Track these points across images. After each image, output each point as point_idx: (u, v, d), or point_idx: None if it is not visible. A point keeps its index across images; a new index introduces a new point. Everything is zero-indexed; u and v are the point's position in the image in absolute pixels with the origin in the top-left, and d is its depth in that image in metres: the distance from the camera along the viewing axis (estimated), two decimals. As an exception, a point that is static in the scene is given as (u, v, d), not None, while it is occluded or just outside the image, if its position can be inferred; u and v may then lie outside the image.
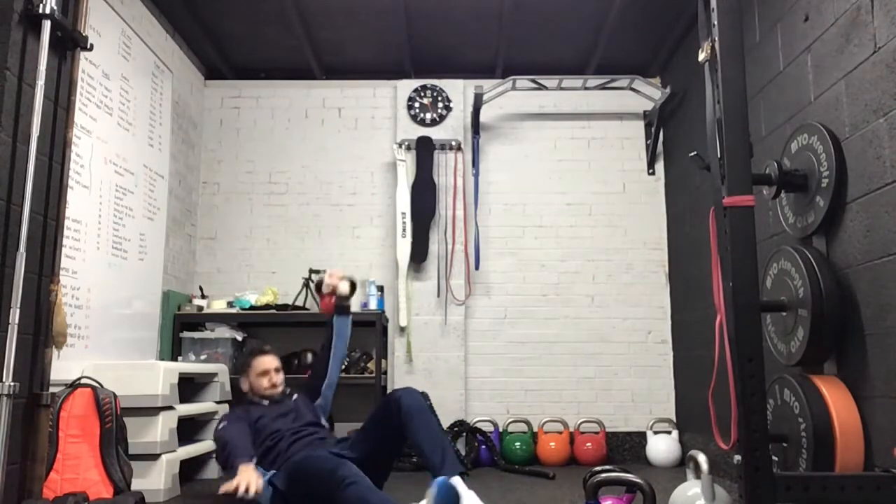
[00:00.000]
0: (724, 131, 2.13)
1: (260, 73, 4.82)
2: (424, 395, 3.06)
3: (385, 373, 4.40)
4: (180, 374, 3.33)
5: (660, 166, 4.73)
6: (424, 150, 4.63)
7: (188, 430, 3.57)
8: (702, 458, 2.28)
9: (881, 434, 2.23)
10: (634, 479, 2.20)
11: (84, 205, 3.15)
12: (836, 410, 2.30)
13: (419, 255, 4.50)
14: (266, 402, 2.91)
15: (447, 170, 4.64)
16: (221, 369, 3.90)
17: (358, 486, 2.24)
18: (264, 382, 2.92)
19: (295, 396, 3.01)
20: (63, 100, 2.76)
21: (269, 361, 2.97)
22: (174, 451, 3.17)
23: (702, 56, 2.27)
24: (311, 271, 4.48)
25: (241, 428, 2.70)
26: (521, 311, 4.60)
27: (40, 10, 2.55)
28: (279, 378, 2.97)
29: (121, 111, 3.52)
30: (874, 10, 2.29)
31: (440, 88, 4.73)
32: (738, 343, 2.04)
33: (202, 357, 4.10)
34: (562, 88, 4.56)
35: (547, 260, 4.66)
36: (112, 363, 3.21)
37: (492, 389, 4.51)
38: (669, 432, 4.31)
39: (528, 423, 4.36)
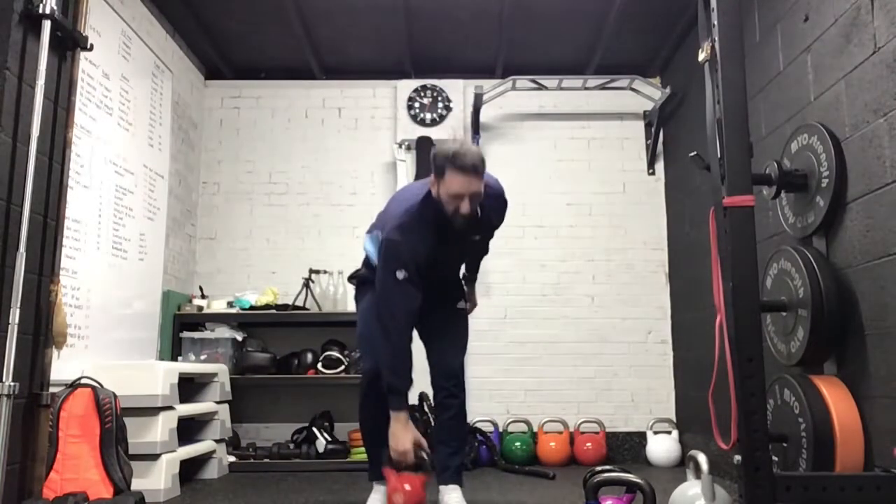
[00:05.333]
0: (724, 131, 2.13)
1: (260, 73, 4.82)
2: None
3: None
4: (180, 374, 3.34)
5: (660, 166, 4.73)
6: (424, 151, 4.62)
7: (188, 430, 3.57)
8: (702, 458, 2.28)
9: (881, 434, 2.23)
10: (634, 479, 2.20)
11: (84, 205, 3.15)
12: (836, 410, 2.30)
13: (419, 255, 4.49)
14: (449, 224, 2.38)
15: (447, 170, 4.63)
16: (221, 369, 3.90)
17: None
18: (451, 206, 2.35)
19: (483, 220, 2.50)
20: (63, 100, 2.76)
21: (469, 185, 2.29)
22: (174, 451, 3.17)
23: (702, 56, 2.28)
24: (311, 271, 4.48)
25: (410, 293, 2.34)
26: (521, 311, 4.60)
27: (40, 10, 2.55)
28: (473, 208, 2.33)
29: (121, 111, 3.52)
30: (874, 10, 2.29)
31: (440, 88, 4.72)
32: (738, 343, 2.04)
33: (202, 357, 4.10)
34: (562, 88, 4.56)
35: (547, 260, 4.65)
36: (112, 363, 3.21)
37: (492, 389, 4.50)
38: (669, 432, 4.30)
39: (528, 423, 4.35)
